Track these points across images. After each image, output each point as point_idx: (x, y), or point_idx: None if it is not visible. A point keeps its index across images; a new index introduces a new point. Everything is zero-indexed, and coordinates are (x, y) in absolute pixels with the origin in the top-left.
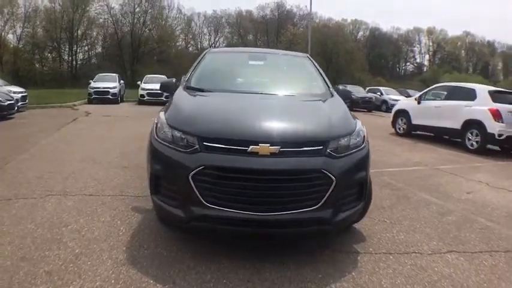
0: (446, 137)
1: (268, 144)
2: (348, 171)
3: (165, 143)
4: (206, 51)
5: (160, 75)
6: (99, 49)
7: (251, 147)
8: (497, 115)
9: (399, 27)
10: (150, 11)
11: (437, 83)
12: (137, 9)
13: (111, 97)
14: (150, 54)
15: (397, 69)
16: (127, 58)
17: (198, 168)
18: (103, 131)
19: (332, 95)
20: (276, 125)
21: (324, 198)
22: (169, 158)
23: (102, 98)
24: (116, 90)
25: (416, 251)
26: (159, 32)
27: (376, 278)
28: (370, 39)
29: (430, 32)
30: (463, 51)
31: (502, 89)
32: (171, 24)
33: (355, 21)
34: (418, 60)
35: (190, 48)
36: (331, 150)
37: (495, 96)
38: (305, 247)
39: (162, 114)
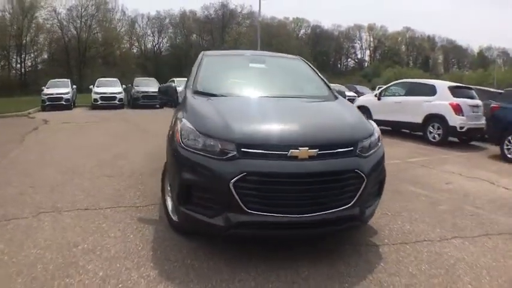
0: (407, 130)
1: (307, 148)
2: (373, 170)
3: (195, 151)
4: (202, 54)
5: (112, 78)
6: (46, 55)
7: (291, 151)
8: (458, 109)
9: (340, 25)
10: (96, 14)
11: (379, 77)
12: (84, 13)
13: (64, 103)
14: (97, 57)
15: (339, 66)
16: (74, 63)
17: (240, 175)
18: (69, 138)
19: (336, 97)
20: (311, 128)
21: (356, 197)
22: (204, 166)
23: (55, 104)
24: (69, 96)
25: (426, 239)
26: (104, 35)
27: (404, 266)
28: (312, 37)
29: (371, 28)
30: (403, 46)
31: (460, 85)
32: (115, 27)
33: (297, 20)
34: (359, 56)
35: (134, 50)
36: (359, 151)
37: (454, 91)
38: (325, 243)
39: (185, 121)
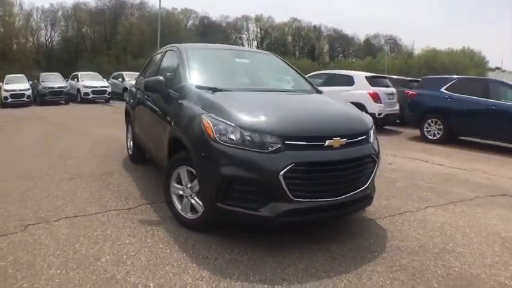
0: None
1: (339, 138)
2: (378, 153)
3: (234, 145)
4: (182, 47)
5: (19, 75)
6: None
7: (327, 142)
8: (376, 97)
9: (228, 16)
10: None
11: None
12: None
13: None
14: None
15: None
16: None
17: (289, 166)
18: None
19: (319, 90)
20: (338, 120)
21: (371, 178)
22: (248, 160)
23: None
24: None
25: (407, 211)
26: (4, 30)
27: (406, 233)
28: (199, 28)
29: (258, 19)
30: (290, 37)
31: (376, 74)
32: (13, 21)
33: (185, 10)
34: (246, 47)
35: (28, 45)
36: (369, 138)
37: (372, 81)
38: (331, 225)
39: (214, 116)
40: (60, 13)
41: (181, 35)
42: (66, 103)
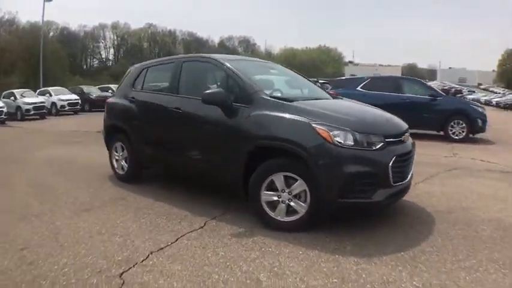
0: None
1: (407, 134)
2: None
3: (351, 147)
4: (223, 60)
5: None
6: None
7: (402, 137)
8: None
9: (86, 25)
10: None
11: None
12: None
13: None
14: None
15: (85, 66)
16: None
17: (394, 158)
18: None
19: (334, 96)
20: (398, 121)
21: (413, 165)
22: (365, 157)
23: None
24: None
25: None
26: None
27: (428, 202)
28: (60, 39)
29: (115, 26)
30: (145, 43)
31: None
32: None
33: (47, 22)
34: (103, 55)
35: None
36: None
37: None
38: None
39: (328, 123)
40: None
41: (51, 47)
42: None
